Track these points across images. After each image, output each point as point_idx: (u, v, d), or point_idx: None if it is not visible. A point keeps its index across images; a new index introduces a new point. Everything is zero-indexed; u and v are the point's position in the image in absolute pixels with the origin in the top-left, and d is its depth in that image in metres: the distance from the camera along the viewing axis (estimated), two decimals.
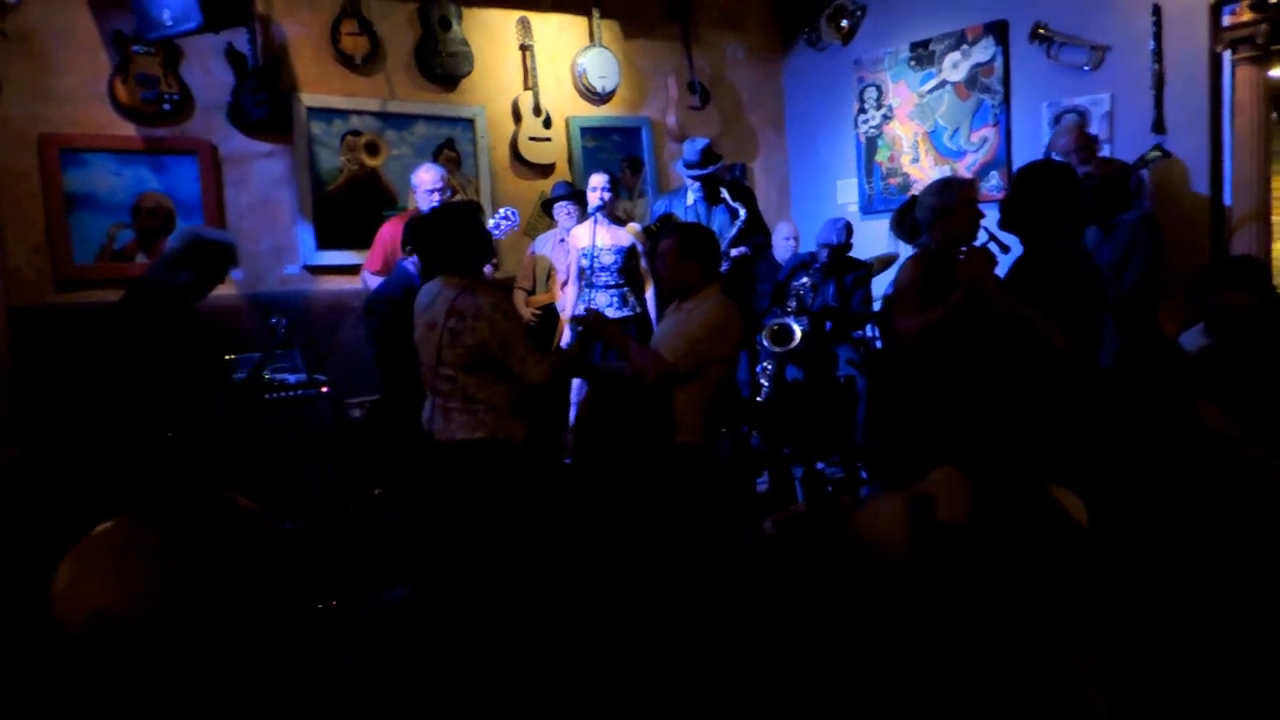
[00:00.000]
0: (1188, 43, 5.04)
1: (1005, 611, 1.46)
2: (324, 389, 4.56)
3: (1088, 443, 2.26)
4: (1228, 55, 4.85)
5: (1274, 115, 5.20)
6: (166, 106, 4.77)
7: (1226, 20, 4.76)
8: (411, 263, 4.27)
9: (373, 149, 5.44)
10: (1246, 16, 4.58)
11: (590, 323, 3.51)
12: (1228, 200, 4.94)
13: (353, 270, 5.27)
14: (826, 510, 2.22)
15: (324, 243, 5.28)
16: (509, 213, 4.77)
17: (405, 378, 4.28)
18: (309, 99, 5.20)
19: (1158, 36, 5.12)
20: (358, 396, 4.91)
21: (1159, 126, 5.13)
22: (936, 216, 3.48)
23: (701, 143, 5.05)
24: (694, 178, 5.04)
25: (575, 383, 5.02)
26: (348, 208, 5.34)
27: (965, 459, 1.76)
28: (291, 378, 4.50)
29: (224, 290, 4.93)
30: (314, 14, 5.23)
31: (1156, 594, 1.89)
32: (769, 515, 2.50)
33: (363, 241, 5.26)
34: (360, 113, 5.39)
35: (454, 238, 3.34)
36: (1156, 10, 5.10)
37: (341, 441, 4.68)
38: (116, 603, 0.93)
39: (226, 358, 4.35)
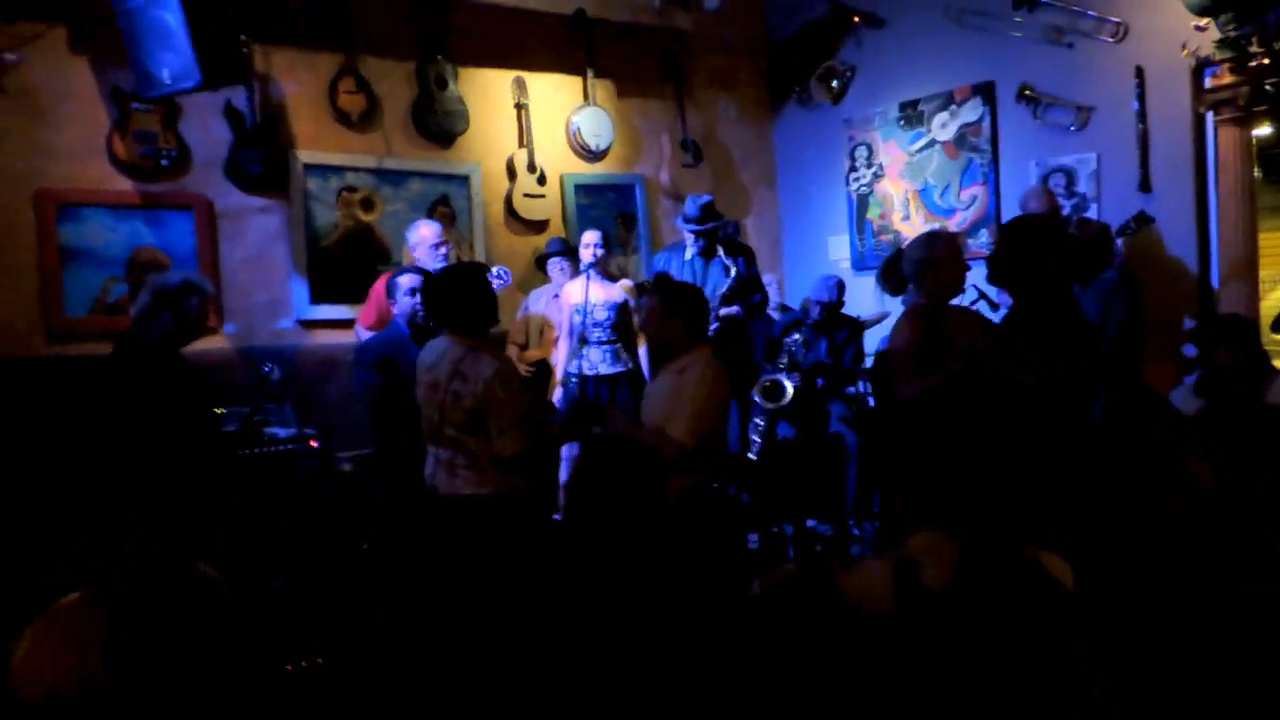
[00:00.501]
0: (1171, 103, 5.13)
1: (989, 676, 1.44)
2: (314, 443, 4.54)
3: (1079, 498, 2.25)
4: (1210, 116, 4.94)
5: (1258, 172, 5.29)
6: (164, 162, 4.83)
7: (1208, 83, 4.86)
8: (402, 318, 4.28)
9: (368, 205, 5.49)
10: (1227, 79, 4.68)
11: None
12: (1214, 257, 4.99)
13: (346, 324, 5.28)
14: (815, 570, 2.20)
15: (318, 297, 5.30)
16: (501, 271, 4.82)
17: (395, 431, 4.27)
18: (306, 155, 5.25)
19: (1141, 98, 5.21)
20: (348, 450, 4.90)
21: (1145, 185, 5.20)
22: (923, 270, 3.52)
23: (704, 199, 5.10)
24: (694, 233, 5.08)
25: (564, 477, 5.01)
26: (342, 262, 5.37)
27: (958, 520, 1.76)
28: (282, 431, 4.49)
29: (216, 343, 4.97)
30: (312, 73, 5.31)
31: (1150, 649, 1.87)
32: (759, 574, 2.47)
33: (356, 296, 5.28)
34: (356, 169, 5.45)
35: (463, 297, 3.37)
36: (1140, 72, 5.20)
37: (330, 496, 4.65)
38: (68, 684, 0.92)
39: (217, 410, 4.33)
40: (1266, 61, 4.55)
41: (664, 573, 2.28)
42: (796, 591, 2.15)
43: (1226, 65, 4.68)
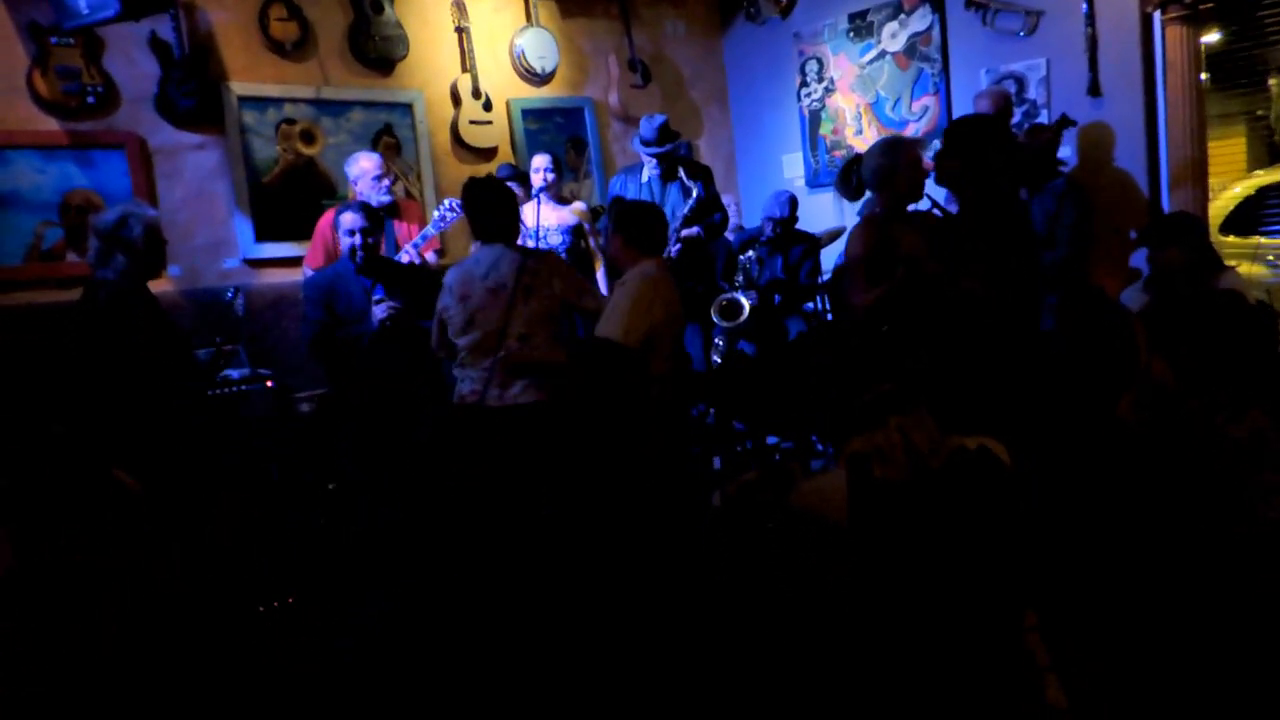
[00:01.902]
0: (1119, 4, 5.08)
1: (945, 568, 1.45)
2: (269, 383, 4.46)
3: (1033, 399, 2.27)
4: (1158, 16, 4.91)
5: (1205, 78, 5.28)
6: (90, 99, 4.62)
7: None
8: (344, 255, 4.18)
9: (308, 137, 5.32)
10: None
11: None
12: (1163, 159, 5.02)
13: (294, 262, 5.16)
14: (776, 477, 2.21)
15: (263, 235, 5.16)
16: (452, 203, 4.69)
17: (338, 366, 4.21)
18: (239, 88, 5.06)
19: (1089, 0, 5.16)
20: (305, 391, 4.82)
21: (1094, 89, 5.18)
22: (882, 177, 3.49)
23: (659, 119, 5.01)
24: (651, 155, 5.00)
25: None
26: (286, 198, 5.22)
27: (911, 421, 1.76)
28: (235, 373, 4.40)
29: (162, 286, 4.82)
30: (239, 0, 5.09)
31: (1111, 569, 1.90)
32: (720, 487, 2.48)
33: (303, 233, 5.15)
34: (294, 100, 5.26)
35: (510, 208, 3.71)
36: None
37: (289, 436, 4.59)
38: None
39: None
40: None
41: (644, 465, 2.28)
42: (757, 497, 2.16)
43: None
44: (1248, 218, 6.27)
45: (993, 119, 3.90)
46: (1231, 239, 6.26)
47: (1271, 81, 7.75)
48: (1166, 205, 4.98)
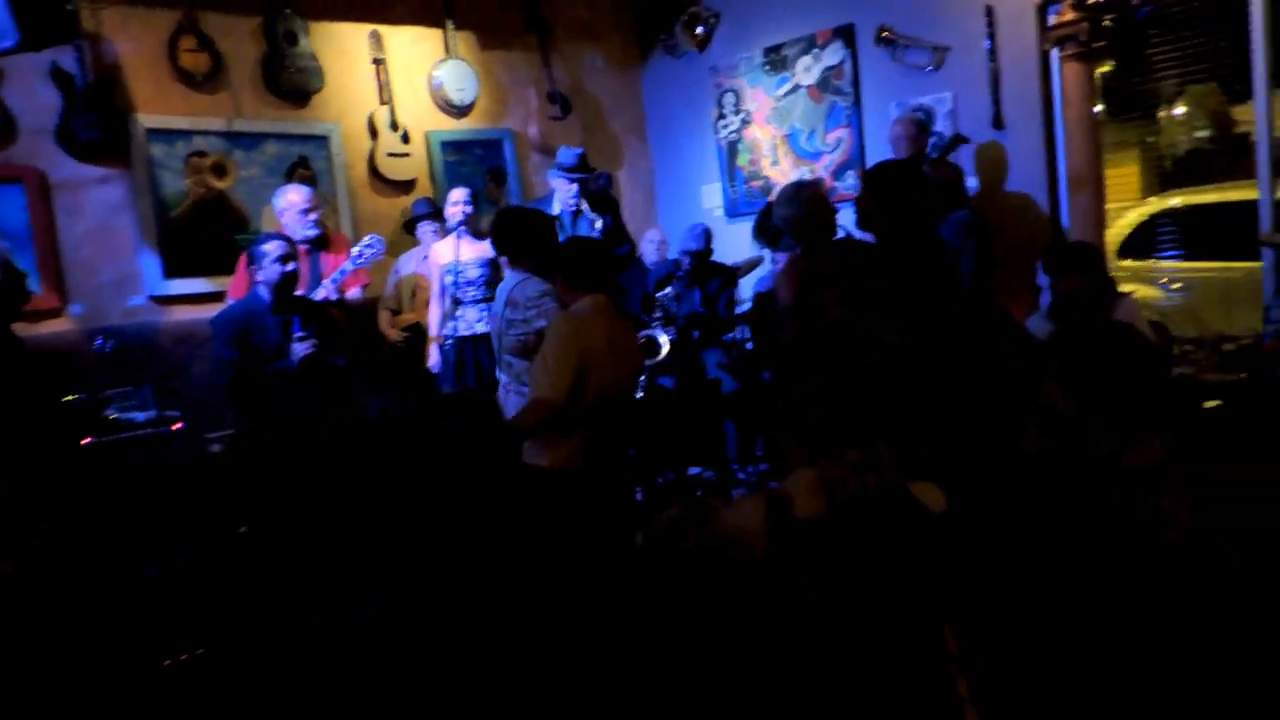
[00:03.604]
0: (1019, 41, 5.30)
1: (862, 603, 1.48)
2: (177, 425, 4.32)
3: (946, 431, 2.33)
4: (1055, 52, 5.14)
5: (1100, 109, 5.53)
6: None
7: (1051, 20, 5.03)
8: (267, 285, 4.10)
9: (220, 170, 5.20)
10: (1069, 16, 4.86)
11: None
12: (1063, 187, 5.23)
13: (205, 299, 5.02)
14: (697, 513, 2.22)
15: (171, 271, 5.01)
16: (373, 240, 4.64)
17: (255, 407, 4.10)
18: (147, 119, 4.93)
19: (992, 36, 5.37)
20: (217, 431, 4.69)
21: (998, 122, 5.38)
22: (794, 224, 3.60)
23: (578, 150, 5.06)
24: (573, 180, 5.01)
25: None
26: (196, 233, 5.09)
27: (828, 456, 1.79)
28: (140, 415, 4.25)
29: (61, 326, 4.66)
30: (148, 30, 4.97)
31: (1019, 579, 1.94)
32: (643, 525, 2.48)
33: (214, 268, 5.03)
34: (205, 133, 5.15)
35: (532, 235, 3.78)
36: (989, 11, 5.35)
37: (201, 479, 4.45)
38: None
39: (66, 398, 4.07)
40: None
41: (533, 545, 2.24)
42: (679, 534, 2.16)
43: (1068, 3, 4.86)
44: (1143, 242, 6.57)
45: (908, 163, 4.04)
46: (1128, 262, 6.54)
47: (1161, 113, 8.16)
48: (1065, 230, 5.18)
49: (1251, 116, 5.03)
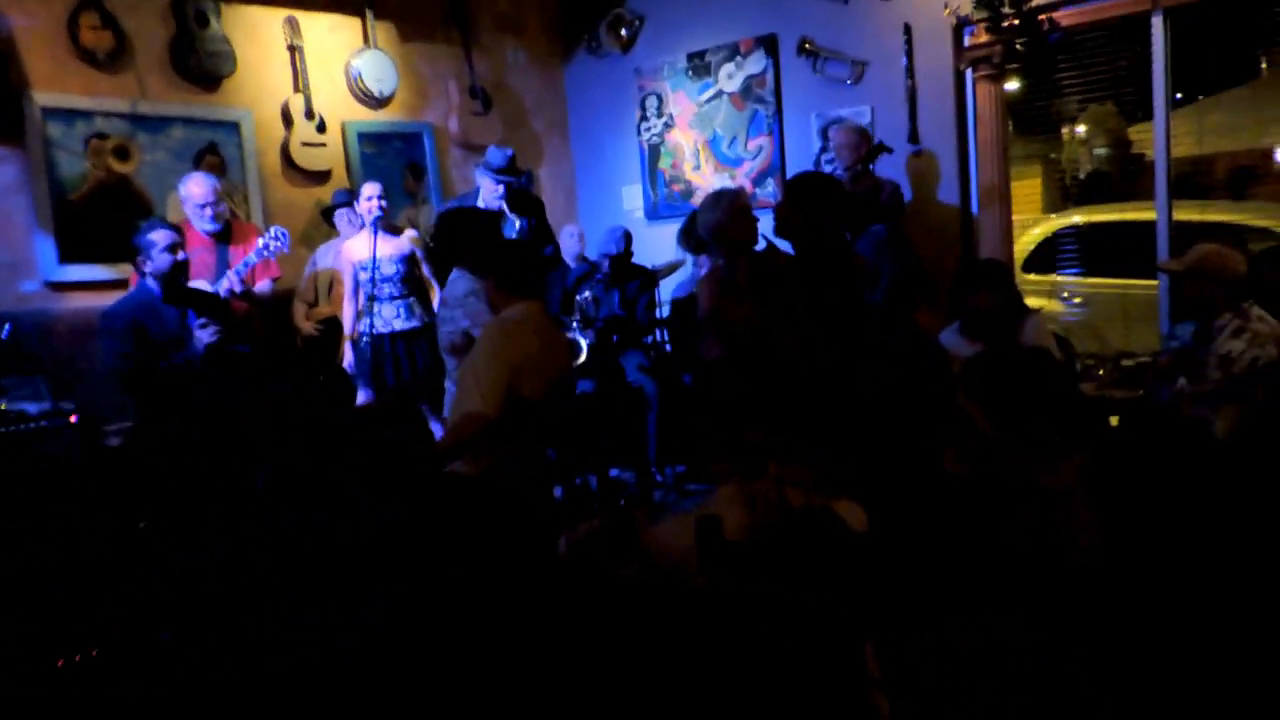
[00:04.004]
0: (935, 60, 5.45)
1: (786, 619, 1.49)
2: (73, 417, 4.12)
3: (864, 445, 2.37)
4: (969, 72, 5.30)
5: (1010, 126, 5.73)
6: None
7: (967, 41, 5.20)
8: (156, 276, 3.94)
9: (123, 154, 4.98)
10: (983, 38, 5.01)
11: None
12: (974, 204, 5.40)
13: (103, 286, 4.80)
14: (620, 525, 2.21)
15: (68, 256, 4.77)
16: (278, 233, 4.51)
17: (154, 400, 3.95)
18: (43, 98, 4.68)
19: (909, 54, 5.51)
20: (115, 424, 4.49)
21: (914, 137, 5.52)
22: (716, 232, 3.64)
23: (510, 151, 4.97)
24: (500, 182, 4.92)
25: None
26: (96, 218, 4.85)
27: (750, 472, 1.80)
28: (33, 407, 4.03)
29: None
30: (44, 4, 4.71)
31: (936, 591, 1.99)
32: (564, 531, 2.46)
33: (114, 255, 4.80)
34: (107, 114, 4.91)
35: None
36: (908, 29, 5.49)
37: (96, 473, 4.25)
38: None
39: None
40: (1017, 22, 4.90)
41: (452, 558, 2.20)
42: (603, 547, 2.15)
43: (983, 25, 5.00)
44: (1046, 257, 6.84)
45: (828, 177, 4.14)
46: (1033, 276, 6.79)
47: (1064, 130, 8.50)
48: (976, 246, 5.35)
49: (1147, 136, 5.28)
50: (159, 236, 3.87)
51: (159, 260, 3.87)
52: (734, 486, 1.70)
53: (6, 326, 3.77)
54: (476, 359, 3.17)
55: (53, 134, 4.72)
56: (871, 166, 5.11)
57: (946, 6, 5.16)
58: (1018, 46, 4.95)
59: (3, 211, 4.61)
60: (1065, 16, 5.02)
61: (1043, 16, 4.94)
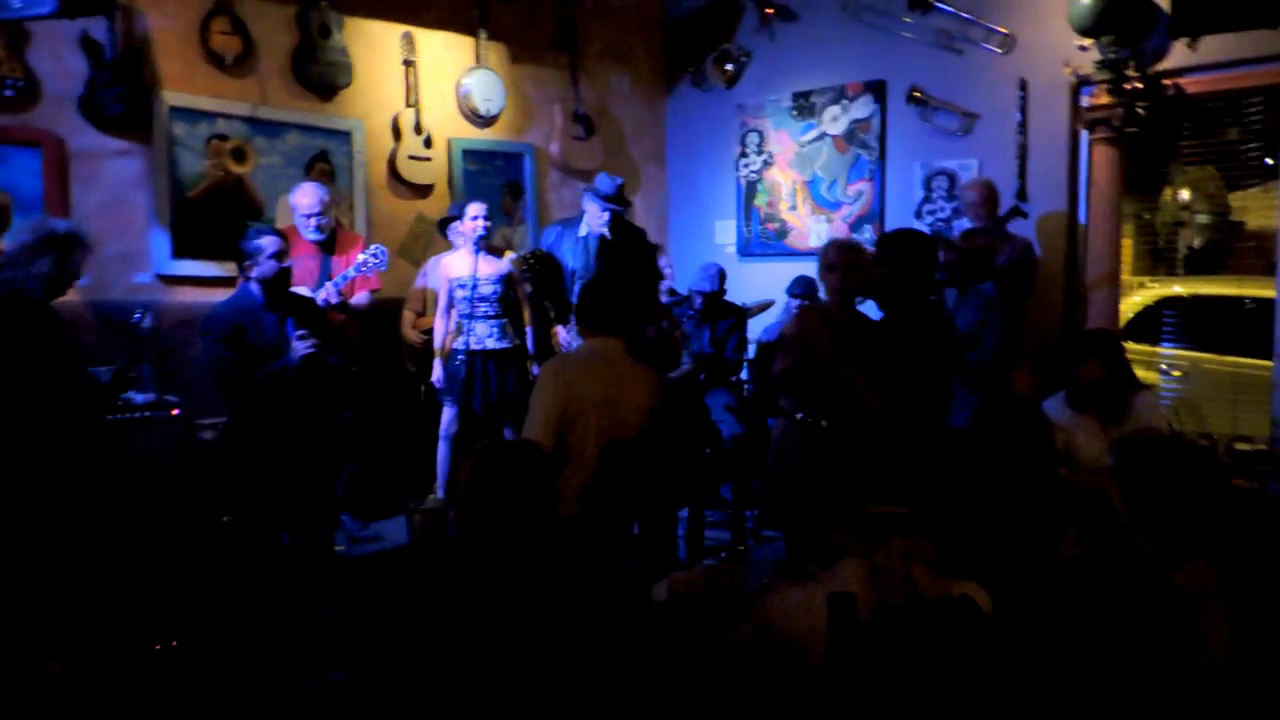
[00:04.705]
0: (1050, 118, 5.34)
1: (918, 706, 1.44)
2: (175, 410, 4.23)
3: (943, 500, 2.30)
4: (1086, 133, 5.17)
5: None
6: (8, 92, 4.36)
7: (1085, 101, 5.06)
8: (256, 282, 4.03)
9: (240, 155, 5.13)
10: (1104, 100, 4.87)
11: None
12: (1081, 268, 5.25)
13: (210, 282, 4.94)
14: (723, 579, 2.17)
15: (180, 251, 4.92)
16: (377, 250, 4.61)
17: (251, 405, 4.02)
18: (172, 97, 4.85)
19: (1023, 109, 5.41)
20: (209, 418, 4.60)
21: (1022, 194, 5.41)
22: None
23: (619, 180, 5.05)
24: (606, 210, 4.97)
25: (441, 455, 4.89)
26: (209, 216, 5.00)
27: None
28: (139, 397, 4.15)
29: (67, 296, 4.55)
30: (181, 7, 4.90)
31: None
32: (657, 577, 2.42)
33: (224, 253, 4.94)
34: (228, 116, 5.07)
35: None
36: (1023, 84, 5.39)
37: (191, 466, 4.36)
38: None
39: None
40: (1140, 86, 4.78)
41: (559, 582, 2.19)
42: (705, 600, 2.12)
43: (1103, 86, 4.87)
44: (1145, 326, 6.62)
45: (928, 237, 4.08)
46: (1130, 345, 6.58)
47: (1165, 191, 8.26)
48: (1083, 310, 5.19)
49: (1245, 204, 5.09)
50: (267, 243, 3.95)
51: (265, 266, 3.95)
52: (856, 561, 1.65)
53: (143, 315, 3.90)
54: (533, 394, 3.32)
55: (177, 132, 4.88)
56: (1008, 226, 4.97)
57: (1067, 65, 5.05)
58: (1139, 111, 4.82)
59: (124, 204, 4.78)
60: (1191, 84, 4.88)
61: (1168, 81, 4.81)
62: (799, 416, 3.45)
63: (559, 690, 1.92)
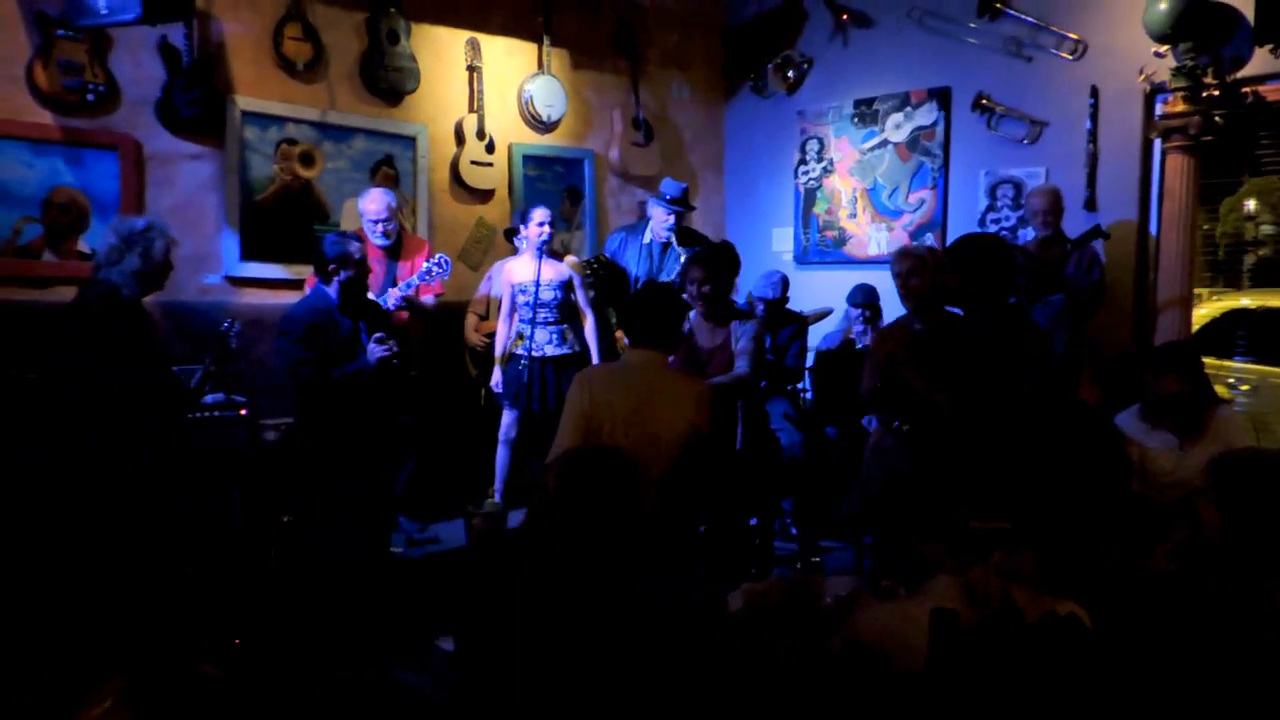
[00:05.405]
0: (1122, 126, 5.23)
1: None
2: (243, 411, 4.31)
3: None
4: (1159, 142, 5.04)
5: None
6: (90, 97, 4.47)
7: (1160, 109, 4.94)
8: (337, 284, 4.09)
9: (308, 160, 5.21)
10: (1179, 107, 4.76)
11: None
12: (1152, 281, 5.12)
13: (277, 285, 5.03)
14: (800, 591, 2.15)
15: (249, 253, 5.01)
16: (441, 260, 4.67)
17: (327, 406, 4.08)
18: (244, 102, 4.95)
19: (1094, 117, 5.31)
20: (274, 419, 4.67)
21: (1091, 204, 5.31)
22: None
23: (683, 184, 5.11)
24: (671, 213, 5.04)
25: (500, 459, 4.92)
26: (277, 219, 5.09)
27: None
28: (209, 397, 4.23)
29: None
30: (256, 14, 4.99)
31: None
32: (730, 585, 2.41)
33: (290, 255, 5.04)
34: (298, 121, 5.15)
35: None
36: (1095, 92, 5.29)
37: (255, 466, 4.43)
38: None
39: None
40: (1218, 93, 4.67)
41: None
42: (781, 612, 2.10)
43: (1179, 94, 4.76)
44: (1215, 340, 6.45)
45: (997, 241, 4.02)
46: None
47: (1225, 202, 8.07)
48: (1153, 322, 5.07)
49: None
50: (355, 249, 4.07)
51: (351, 270, 4.05)
52: (950, 576, 1.62)
53: (232, 324, 3.99)
54: (566, 399, 3.37)
55: (249, 137, 4.97)
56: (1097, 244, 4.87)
57: (1141, 72, 4.96)
58: (1216, 119, 4.70)
59: (196, 206, 4.87)
60: (1271, 91, 4.75)
61: (1247, 89, 4.69)
62: (895, 425, 3.44)
63: (634, 691, 1.92)
